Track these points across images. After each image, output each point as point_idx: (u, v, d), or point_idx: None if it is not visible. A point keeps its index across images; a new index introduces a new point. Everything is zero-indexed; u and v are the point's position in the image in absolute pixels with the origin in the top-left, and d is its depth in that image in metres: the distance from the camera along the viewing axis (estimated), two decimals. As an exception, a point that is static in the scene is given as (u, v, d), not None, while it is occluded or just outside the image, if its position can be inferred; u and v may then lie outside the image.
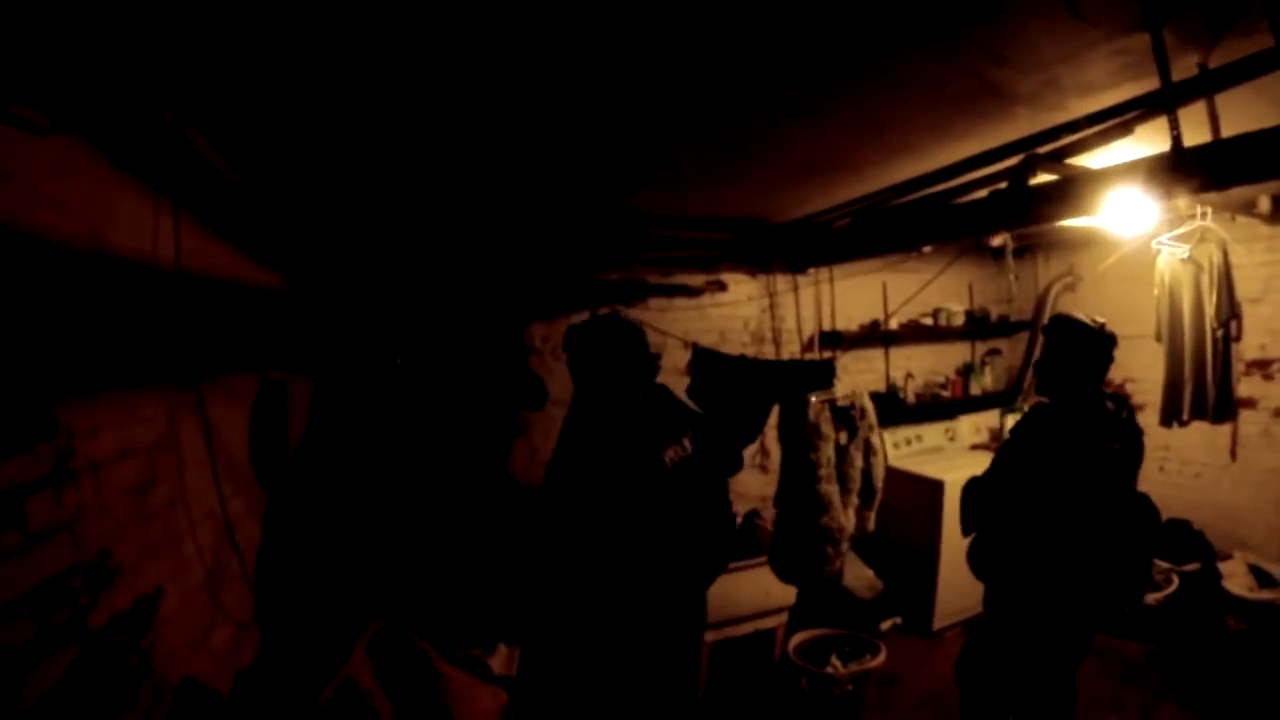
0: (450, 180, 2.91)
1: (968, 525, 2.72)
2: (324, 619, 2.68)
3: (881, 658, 3.79)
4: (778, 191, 3.44)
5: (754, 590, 3.72)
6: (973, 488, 2.74)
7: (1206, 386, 3.95)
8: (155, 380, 1.83)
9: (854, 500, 3.51)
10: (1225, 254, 3.79)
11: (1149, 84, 1.95)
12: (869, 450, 3.55)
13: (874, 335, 5.19)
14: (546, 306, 4.30)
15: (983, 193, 3.01)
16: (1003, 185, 2.76)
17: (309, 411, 3.23)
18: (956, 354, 5.66)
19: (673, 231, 4.08)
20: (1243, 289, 3.92)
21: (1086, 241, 5.03)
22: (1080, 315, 2.57)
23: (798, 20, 1.59)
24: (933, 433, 5.13)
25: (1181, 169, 1.92)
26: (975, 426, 5.35)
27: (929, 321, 5.34)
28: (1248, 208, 4.03)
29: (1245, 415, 4.31)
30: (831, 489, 3.37)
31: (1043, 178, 2.52)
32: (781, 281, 4.96)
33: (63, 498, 1.37)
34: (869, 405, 3.52)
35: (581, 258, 4.18)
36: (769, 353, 4.96)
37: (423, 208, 3.31)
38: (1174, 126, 1.85)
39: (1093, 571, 2.44)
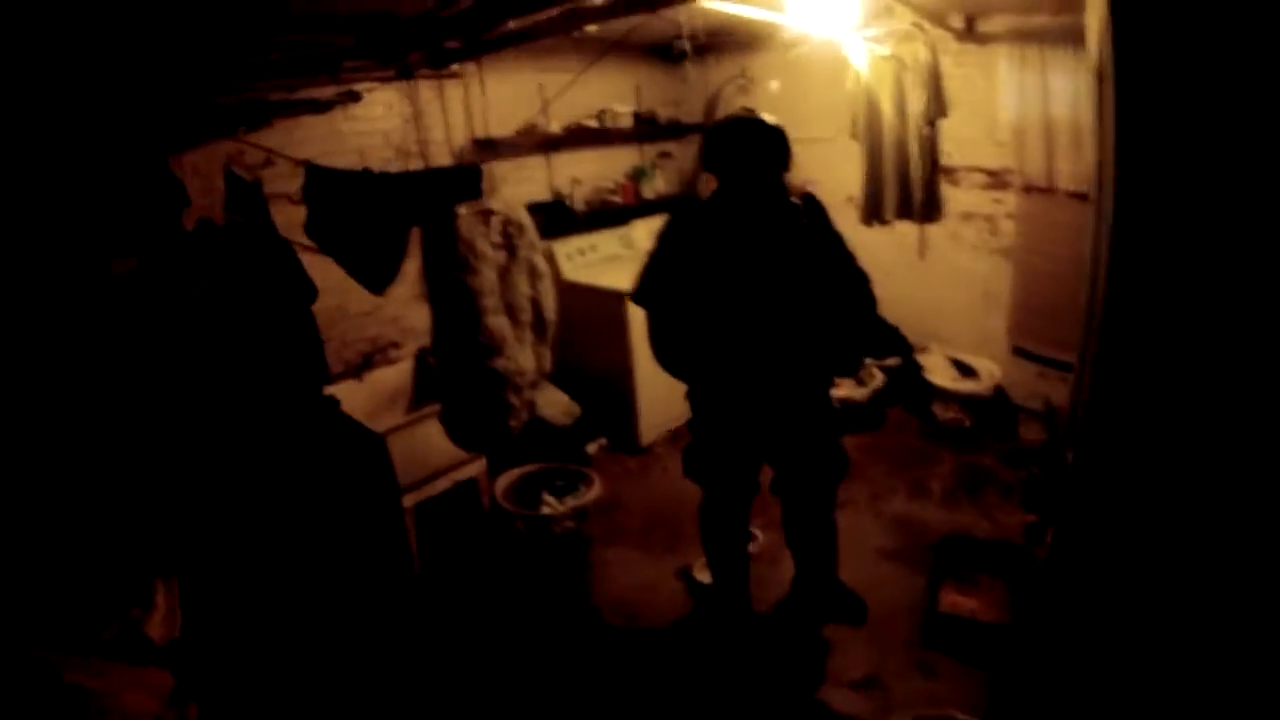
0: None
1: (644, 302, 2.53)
2: None
3: (597, 488, 3.48)
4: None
5: (441, 440, 2.96)
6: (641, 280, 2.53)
7: (912, 186, 3.83)
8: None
9: (528, 335, 3.01)
10: (934, 53, 3.57)
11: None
12: (534, 274, 3.02)
13: (533, 140, 4.40)
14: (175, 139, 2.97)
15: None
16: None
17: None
18: (626, 158, 5.16)
19: (292, 36, 2.96)
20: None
21: (759, 44, 4.70)
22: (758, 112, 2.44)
23: None
24: (607, 241, 4.74)
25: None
26: (651, 231, 4.63)
27: (594, 124, 4.67)
28: (938, 20, 4.09)
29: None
30: (501, 321, 2.82)
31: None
32: (427, 88, 3.93)
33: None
34: (526, 220, 2.89)
35: (194, 81, 3.03)
36: (416, 168, 3.93)
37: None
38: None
39: (778, 351, 2.44)
